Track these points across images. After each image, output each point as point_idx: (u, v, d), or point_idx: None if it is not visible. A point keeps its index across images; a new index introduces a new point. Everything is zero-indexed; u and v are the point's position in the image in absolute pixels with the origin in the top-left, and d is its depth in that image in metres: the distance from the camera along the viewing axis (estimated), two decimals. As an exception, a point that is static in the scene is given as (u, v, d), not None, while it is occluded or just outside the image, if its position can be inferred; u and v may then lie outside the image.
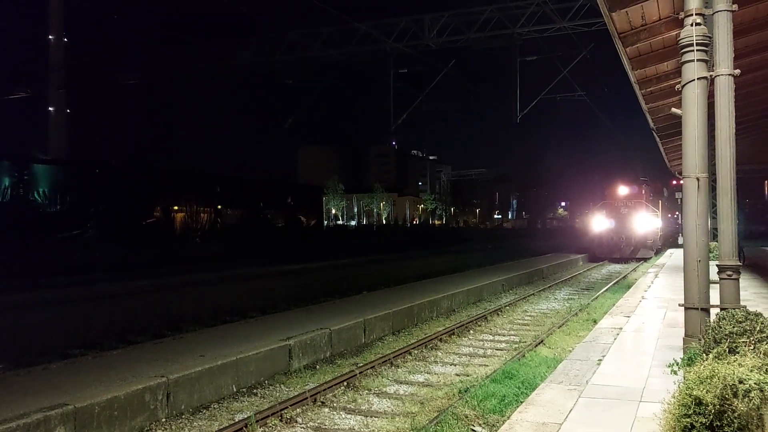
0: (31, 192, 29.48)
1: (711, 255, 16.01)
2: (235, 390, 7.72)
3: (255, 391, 7.89)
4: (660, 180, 40.13)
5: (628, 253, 30.10)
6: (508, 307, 15.17)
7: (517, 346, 10.81)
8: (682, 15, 5.14)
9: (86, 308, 14.49)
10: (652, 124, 20.05)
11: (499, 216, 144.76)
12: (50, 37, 62.24)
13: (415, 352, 10.15)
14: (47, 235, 26.90)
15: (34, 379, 6.92)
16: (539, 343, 10.57)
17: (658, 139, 22.77)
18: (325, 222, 53.99)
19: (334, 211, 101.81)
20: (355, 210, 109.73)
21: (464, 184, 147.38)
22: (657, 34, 11.13)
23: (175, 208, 34.28)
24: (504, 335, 12.07)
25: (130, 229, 30.57)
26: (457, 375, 8.93)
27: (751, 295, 13.25)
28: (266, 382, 8.21)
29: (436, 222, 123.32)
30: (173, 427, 6.54)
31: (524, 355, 9.60)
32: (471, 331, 12.29)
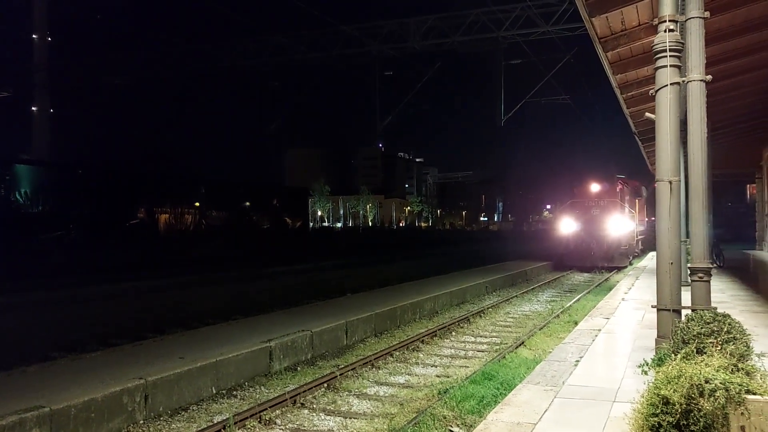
0: (12, 193, 29.19)
1: (688, 258, 16.19)
2: (214, 392, 7.71)
3: (235, 392, 7.88)
4: (639, 179, 36.12)
5: (600, 260, 26.05)
6: (491, 309, 15.25)
7: (498, 347, 10.88)
8: (656, 21, 5.23)
9: (67, 311, 14.36)
10: (634, 128, 20.28)
11: (485, 219, 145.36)
12: (34, 36, 61.70)
13: (397, 353, 10.18)
14: (29, 237, 26.63)
15: (11, 382, 6.86)
16: (520, 345, 10.65)
17: (640, 143, 23.01)
18: (311, 224, 53.82)
19: (320, 213, 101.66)
20: (341, 212, 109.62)
21: (451, 186, 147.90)
22: (637, 39, 11.28)
23: (159, 210, 34.06)
24: (486, 337, 12.13)
25: (113, 231, 30.34)
26: (438, 376, 8.97)
27: (729, 297, 13.43)
28: (246, 383, 8.21)
29: (423, 224, 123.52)
30: (151, 428, 6.52)
31: (504, 357, 9.67)
32: (453, 333, 12.35)
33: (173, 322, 12.44)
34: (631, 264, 27.04)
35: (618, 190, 27.02)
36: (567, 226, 27.01)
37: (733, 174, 39.71)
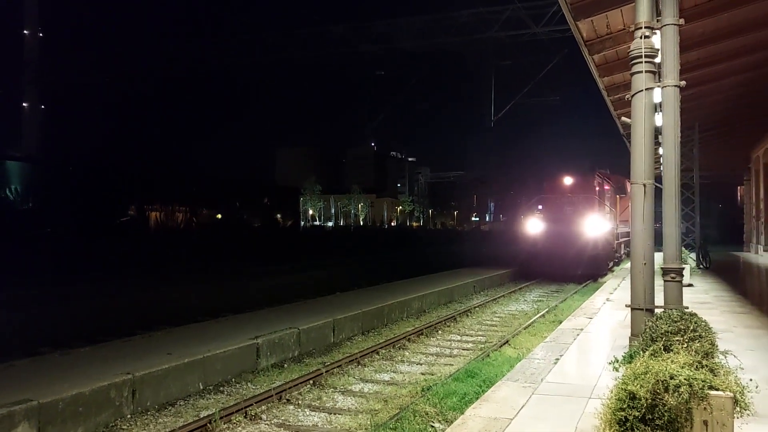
0: (1, 189, 29.11)
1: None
2: (201, 387, 7.81)
3: (222, 388, 7.99)
4: (624, 174, 31.25)
5: (573, 267, 21.97)
6: (478, 308, 15.41)
7: (483, 346, 11.03)
8: (632, 28, 5.38)
9: (55, 307, 14.39)
10: (621, 130, 20.47)
11: (477, 218, 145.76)
12: (25, 32, 61.38)
13: (383, 351, 10.31)
14: (17, 233, 26.57)
15: (-1, 376, 6.94)
16: (504, 344, 10.80)
17: (628, 145, 23.26)
18: (302, 223, 53.89)
19: (311, 212, 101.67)
20: (333, 211, 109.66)
21: (442, 186, 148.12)
22: (622, 42, 11.43)
23: (150, 207, 34.05)
24: (472, 335, 12.28)
25: (102, 228, 30.30)
26: (423, 374, 9.10)
27: (712, 298, 13.63)
28: (233, 380, 8.32)
29: (414, 224, 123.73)
30: (138, 423, 6.63)
31: (488, 355, 9.83)
32: (440, 332, 12.49)
33: (162, 320, 12.51)
34: (612, 271, 23.85)
35: (595, 184, 23.02)
36: (534, 226, 23.04)
37: (722, 176, 40.12)
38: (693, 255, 21.65)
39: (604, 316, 11.10)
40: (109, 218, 31.57)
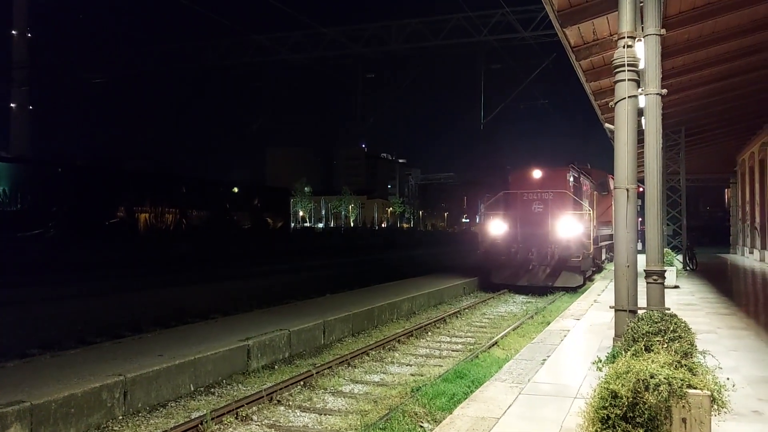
0: (-10, 190, 28.97)
1: (666, 261, 16.58)
2: (192, 389, 7.88)
3: (213, 390, 8.06)
4: (608, 169, 25.79)
5: (542, 276, 18.79)
6: (467, 310, 15.54)
7: (472, 347, 11.15)
8: (615, 37, 5.52)
9: (46, 308, 14.37)
10: (610, 135, 20.71)
11: (467, 220, 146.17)
12: (13, 32, 61.01)
13: (373, 352, 10.40)
14: (7, 234, 26.46)
15: (-9, 378, 6.97)
16: (493, 345, 10.93)
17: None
18: (293, 224, 53.91)
19: (301, 213, 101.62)
20: (323, 212, 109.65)
21: (433, 187, 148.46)
22: (609, 48, 11.61)
23: (140, 208, 33.97)
24: (461, 337, 12.40)
25: (92, 229, 30.21)
26: (412, 375, 9.21)
27: (698, 300, 13.84)
28: (224, 381, 8.38)
29: (404, 225, 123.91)
30: (130, 424, 6.68)
31: (477, 356, 9.94)
32: (429, 333, 12.61)
33: (153, 321, 12.56)
34: (591, 280, 20.63)
35: (570, 179, 19.43)
36: (495, 227, 19.57)
37: (710, 179, 40.59)
38: (680, 257, 21.91)
39: (591, 317, 11.25)
40: (98, 220, 31.45)
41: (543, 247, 18.75)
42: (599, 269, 23.90)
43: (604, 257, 24.63)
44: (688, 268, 21.96)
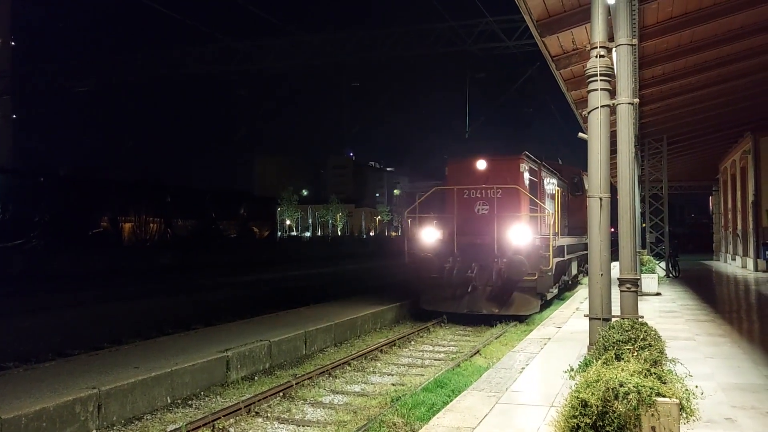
0: (-29, 200, 28.65)
1: (643, 269, 16.62)
2: (169, 401, 7.79)
3: (190, 402, 7.97)
4: (577, 166, 22.12)
5: (487, 300, 14.27)
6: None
7: (455, 356, 11.13)
8: (588, 47, 5.56)
9: (24, 320, 14.20)
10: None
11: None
12: (-4, 41, 60.62)
13: (355, 363, 10.35)
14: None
15: (-38, 392, 6.85)
16: (475, 353, 10.92)
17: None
18: (279, 233, 53.69)
19: (288, 222, 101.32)
20: (310, 221, 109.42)
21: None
22: (588, 58, 11.72)
23: (123, 218, 33.71)
24: (444, 346, 12.38)
25: (75, 240, 29.93)
26: (393, 385, 9.16)
27: (678, 306, 13.93)
28: (202, 393, 8.30)
29: (393, 234, 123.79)
30: (103, 438, 6.59)
31: (459, 365, 9.92)
32: (412, 342, 12.56)
33: (131, 332, 12.43)
34: (549, 304, 15.88)
35: (525, 172, 15.00)
36: (427, 235, 15.02)
37: (693, 187, 41.04)
38: (663, 264, 22.06)
39: (573, 325, 11.27)
40: (81, 230, 31.16)
41: (488, 261, 14.18)
42: (568, 286, 19.51)
43: (576, 271, 20.57)
44: (670, 275, 22.11)
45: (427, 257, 14.73)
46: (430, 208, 16.10)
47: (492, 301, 14.30)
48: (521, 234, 14.14)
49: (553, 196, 17.43)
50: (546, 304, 15.54)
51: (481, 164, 14.86)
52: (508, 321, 14.29)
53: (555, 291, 16.48)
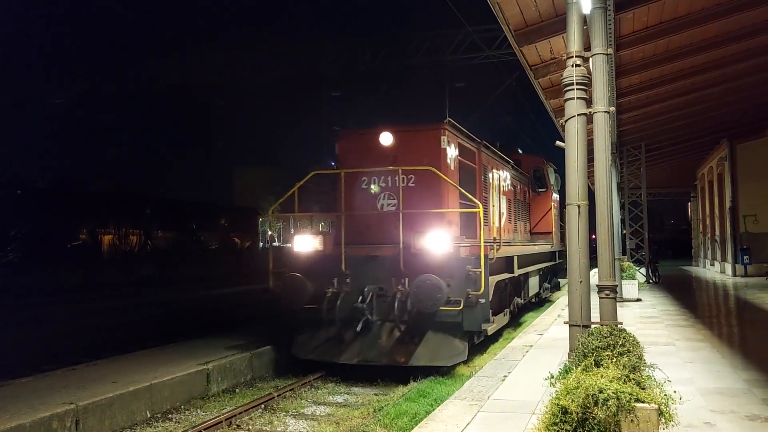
0: (-55, 213, 28.13)
1: (624, 275, 16.72)
2: (149, 415, 7.67)
3: (170, 416, 7.86)
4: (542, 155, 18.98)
5: (388, 344, 9.51)
6: None
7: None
8: (564, 56, 5.62)
9: (0, 335, 13.95)
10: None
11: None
12: (-29, 52, 59.80)
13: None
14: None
15: (-66, 410, 6.69)
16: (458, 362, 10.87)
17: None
18: (261, 244, 53.38)
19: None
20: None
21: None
22: (565, 67, 11.86)
23: (103, 230, 33.29)
24: None
25: (54, 253, 29.47)
26: (376, 395, 9.11)
27: (659, 312, 14.07)
28: (182, 407, 8.18)
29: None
30: (81, 454, 6.47)
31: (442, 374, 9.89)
32: None
33: (110, 346, 12.24)
34: (494, 339, 12.09)
35: (449, 148, 10.14)
36: (300, 244, 10.44)
37: (672, 193, 41.63)
38: (643, 270, 22.28)
39: (554, 332, 11.32)
40: (59, 243, 30.71)
41: (390, 284, 9.52)
42: (518, 310, 14.52)
43: (538, 288, 16.59)
44: (650, 281, 22.35)
45: (296, 279, 9.70)
46: (316, 204, 11.61)
47: (396, 345, 9.48)
48: (439, 242, 9.24)
49: (502, 191, 13.15)
50: (486, 342, 11.39)
51: (386, 138, 9.95)
52: (427, 373, 9.47)
53: (504, 319, 11.95)
